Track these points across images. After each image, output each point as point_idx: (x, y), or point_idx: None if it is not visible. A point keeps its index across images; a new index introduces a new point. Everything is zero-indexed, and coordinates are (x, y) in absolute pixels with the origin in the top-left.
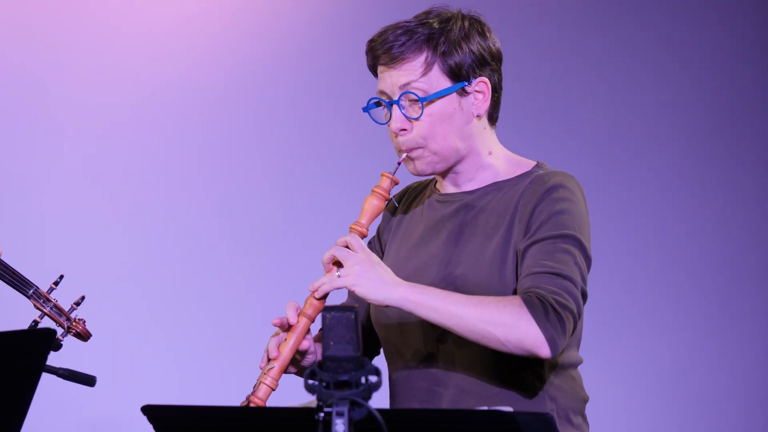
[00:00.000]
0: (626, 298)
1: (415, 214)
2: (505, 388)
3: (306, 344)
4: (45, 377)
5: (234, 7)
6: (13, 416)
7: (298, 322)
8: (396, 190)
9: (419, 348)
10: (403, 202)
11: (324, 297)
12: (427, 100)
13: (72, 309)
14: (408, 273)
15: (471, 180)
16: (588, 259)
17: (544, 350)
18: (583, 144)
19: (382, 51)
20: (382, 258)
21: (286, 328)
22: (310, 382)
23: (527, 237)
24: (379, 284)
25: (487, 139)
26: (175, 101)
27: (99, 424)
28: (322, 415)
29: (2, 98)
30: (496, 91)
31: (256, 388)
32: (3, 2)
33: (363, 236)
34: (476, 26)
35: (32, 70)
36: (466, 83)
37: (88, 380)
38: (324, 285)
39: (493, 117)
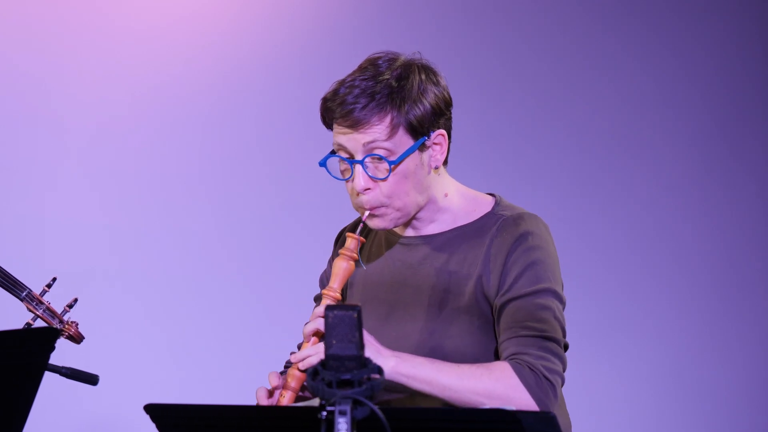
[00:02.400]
0: (628, 298)
1: (373, 253)
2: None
3: None
4: (48, 376)
5: (236, 4)
6: (16, 414)
7: (282, 396)
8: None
9: (409, 349)
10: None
11: (308, 370)
12: (395, 163)
13: (65, 311)
14: (389, 328)
15: (431, 222)
16: (563, 305)
17: None
18: (586, 143)
19: (341, 113)
20: (344, 294)
21: (271, 397)
22: (313, 381)
23: (503, 292)
24: (373, 355)
25: (441, 183)
26: (174, 100)
27: (102, 422)
28: (324, 414)
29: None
30: (449, 137)
31: None
32: (3, 0)
33: (337, 301)
34: (431, 77)
35: (31, 68)
36: (426, 138)
37: (91, 379)
38: (311, 358)
39: (446, 160)
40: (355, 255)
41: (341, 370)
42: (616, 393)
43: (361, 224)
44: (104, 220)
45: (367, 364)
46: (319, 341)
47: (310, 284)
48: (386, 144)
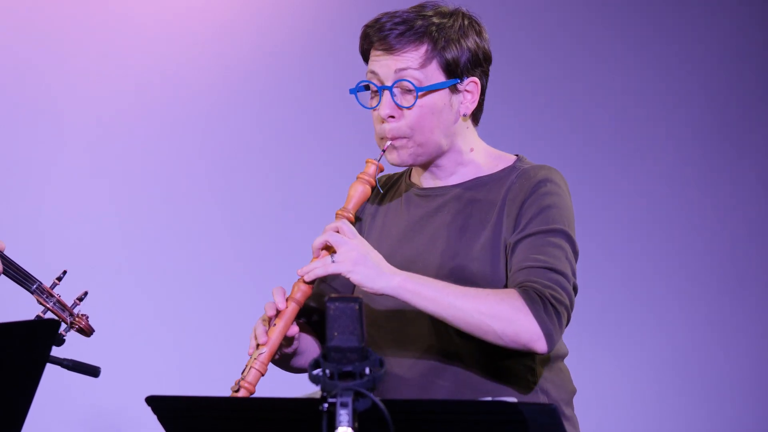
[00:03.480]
0: (631, 294)
1: (392, 208)
2: (499, 382)
3: (294, 329)
4: (49, 368)
5: (238, 2)
6: (17, 406)
7: (286, 307)
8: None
9: (419, 338)
10: (374, 194)
11: (313, 282)
12: (422, 90)
13: (75, 304)
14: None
15: (452, 174)
16: (576, 253)
17: (540, 345)
18: (589, 141)
19: (378, 37)
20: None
21: (274, 312)
22: (315, 372)
23: (517, 232)
24: (376, 272)
25: (469, 137)
26: (178, 96)
27: (103, 414)
28: (326, 405)
29: (5, 92)
30: (484, 92)
31: (245, 373)
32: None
33: (351, 222)
34: (474, 26)
35: (34, 64)
36: (459, 81)
37: (93, 371)
38: (316, 269)
39: (477, 117)
40: (372, 180)
41: (343, 362)
42: (621, 388)
43: (382, 152)
44: (107, 213)
45: (368, 357)
46: (328, 254)
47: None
48: (417, 73)
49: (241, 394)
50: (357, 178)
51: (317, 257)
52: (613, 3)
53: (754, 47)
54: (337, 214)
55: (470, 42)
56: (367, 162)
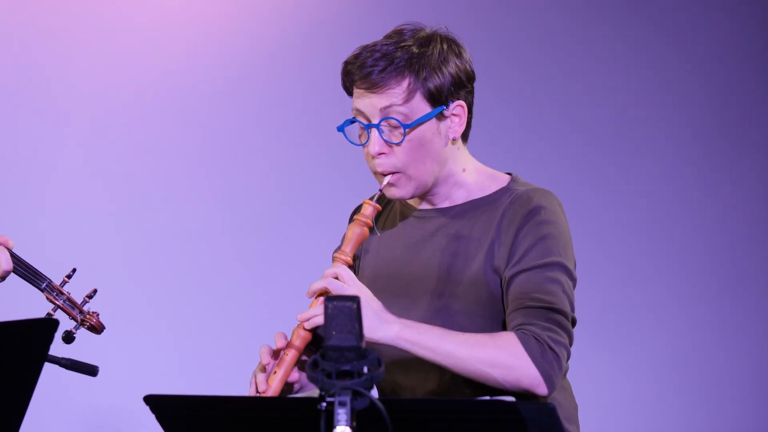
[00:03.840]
0: (631, 294)
1: (387, 227)
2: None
3: (294, 376)
4: (47, 367)
5: (238, 1)
6: (15, 405)
7: (286, 354)
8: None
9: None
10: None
11: (314, 329)
12: (409, 126)
13: (84, 302)
14: (400, 297)
15: (446, 198)
16: (574, 281)
17: (541, 389)
18: (589, 141)
19: (360, 75)
20: (356, 271)
21: (268, 361)
22: (313, 372)
23: (512, 264)
24: (376, 323)
25: (461, 157)
26: (179, 95)
27: (101, 413)
28: (324, 404)
29: (7, 90)
30: (470, 111)
31: None
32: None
33: (348, 265)
34: (453, 48)
35: (34, 63)
36: (445, 107)
37: (91, 370)
38: (316, 318)
39: (466, 135)
40: (369, 222)
41: (341, 361)
42: (621, 388)
43: (378, 192)
44: (107, 213)
45: (366, 356)
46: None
47: (312, 277)
48: (402, 108)
49: None
50: (354, 220)
51: (315, 301)
52: (613, 3)
53: (754, 47)
54: (334, 257)
55: (451, 67)
56: (363, 203)
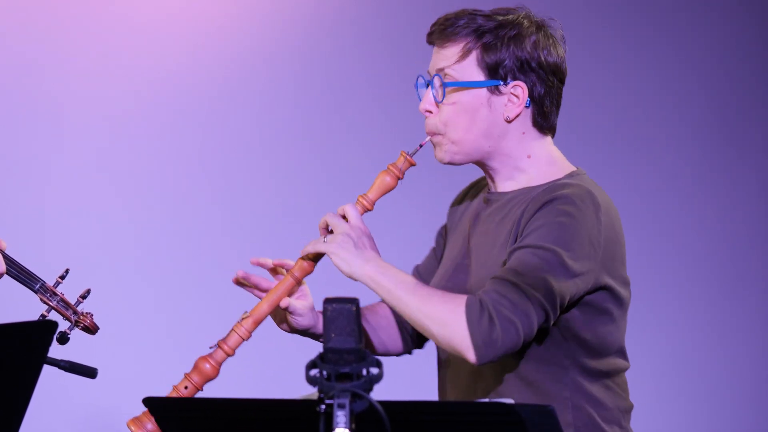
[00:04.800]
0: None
1: (469, 209)
2: (533, 392)
3: (285, 302)
4: (46, 369)
5: (237, 3)
6: (14, 407)
7: (284, 279)
8: (412, 172)
9: None
10: (470, 196)
11: (312, 260)
12: (449, 86)
13: (78, 302)
14: (447, 273)
15: (509, 180)
16: (571, 276)
17: (469, 354)
18: (589, 141)
19: (436, 28)
20: (444, 245)
21: (272, 272)
22: (312, 373)
23: (516, 243)
24: (353, 258)
25: (525, 143)
26: (178, 95)
27: (100, 416)
28: (323, 407)
29: (4, 90)
30: (541, 102)
31: (227, 336)
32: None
33: (366, 210)
34: (536, 33)
35: (33, 63)
36: (501, 83)
37: (90, 372)
38: (309, 246)
39: (541, 126)
40: (400, 173)
41: (340, 363)
42: None
43: (417, 148)
44: (106, 213)
45: (365, 358)
46: (327, 234)
47: (310, 278)
48: (452, 69)
49: (218, 354)
50: (387, 168)
51: (322, 235)
52: (613, 3)
53: (754, 47)
54: (357, 199)
55: (520, 47)
56: (400, 154)
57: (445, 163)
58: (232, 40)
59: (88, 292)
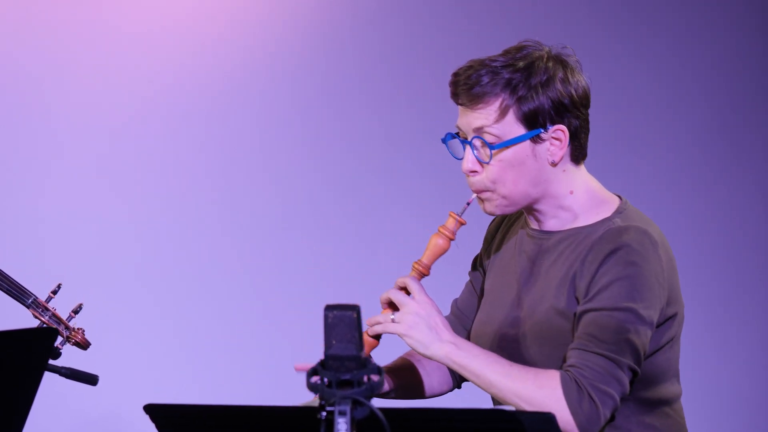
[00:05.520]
0: None
1: (510, 244)
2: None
3: None
4: (47, 376)
5: (237, 5)
6: (15, 414)
7: None
8: (463, 230)
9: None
10: (504, 225)
11: (377, 337)
12: (496, 148)
13: (70, 317)
14: (491, 308)
15: (553, 218)
16: (648, 326)
17: None
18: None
19: (461, 89)
20: (483, 280)
21: None
22: (313, 380)
23: (585, 301)
24: (429, 339)
25: (567, 180)
26: (176, 99)
27: (101, 423)
28: (324, 414)
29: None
30: (577, 136)
31: None
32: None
33: (423, 276)
34: (560, 69)
35: (30, 68)
36: (542, 130)
37: (91, 379)
38: (377, 326)
39: (577, 157)
40: (452, 235)
41: (341, 370)
42: None
43: (465, 206)
44: (102, 220)
45: (366, 365)
46: (392, 311)
47: (310, 285)
48: (493, 129)
49: None
50: (438, 231)
51: (384, 310)
52: (612, 3)
53: (753, 48)
54: (413, 265)
55: (553, 90)
56: (449, 216)
57: (495, 215)
58: (233, 43)
59: (80, 306)
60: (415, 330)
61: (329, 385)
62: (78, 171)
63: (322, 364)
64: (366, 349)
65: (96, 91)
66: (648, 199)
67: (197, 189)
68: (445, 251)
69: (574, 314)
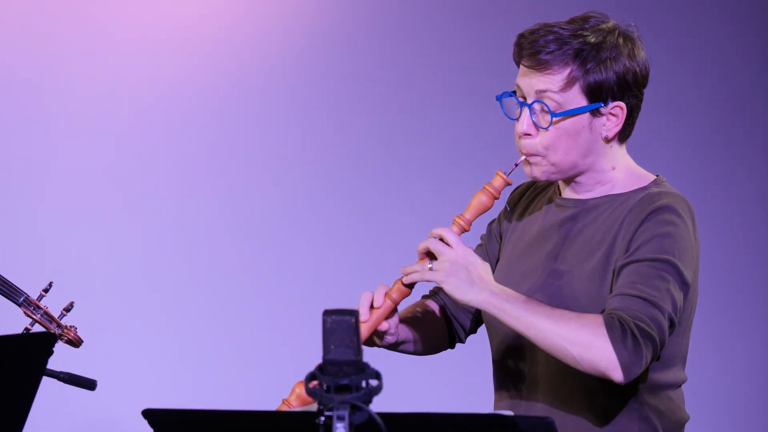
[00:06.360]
0: None
1: (533, 212)
2: (594, 404)
3: (385, 325)
4: (45, 381)
5: (237, 7)
6: (13, 419)
7: (383, 303)
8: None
9: (538, 376)
10: (528, 195)
11: (411, 285)
12: (557, 116)
13: (62, 315)
14: (517, 275)
15: (590, 191)
16: (685, 285)
17: (616, 374)
18: None
19: (528, 52)
20: (499, 249)
21: (369, 306)
22: (311, 385)
23: (626, 256)
24: (468, 285)
25: (611, 155)
26: (174, 104)
27: (99, 427)
28: (322, 419)
29: None
30: (632, 114)
31: None
32: (2, 3)
33: (464, 231)
34: (628, 46)
35: (28, 70)
36: (602, 105)
37: (89, 384)
38: (414, 274)
39: (623, 136)
40: (497, 193)
41: (339, 375)
42: None
43: (513, 167)
44: (101, 223)
45: (365, 369)
46: (429, 260)
47: (310, 288)
48: (557, 96)
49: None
50: (482, 187)
51: (421, 260)
52: (611, 4)
53: (749, 50)
54: (454, 219)
55: (619, 65)
56: (496, 174)
57: (539, 181)
58: (234, 48)
59: (72, 305)
60: (454, 276)
61: (327, 390)
62: (78, 172)
63: (320, 368)
64: (398, 297)
65: (96, 91)
66: None
67: (197, 191)
68: (488, 209)
69: (613, 271)
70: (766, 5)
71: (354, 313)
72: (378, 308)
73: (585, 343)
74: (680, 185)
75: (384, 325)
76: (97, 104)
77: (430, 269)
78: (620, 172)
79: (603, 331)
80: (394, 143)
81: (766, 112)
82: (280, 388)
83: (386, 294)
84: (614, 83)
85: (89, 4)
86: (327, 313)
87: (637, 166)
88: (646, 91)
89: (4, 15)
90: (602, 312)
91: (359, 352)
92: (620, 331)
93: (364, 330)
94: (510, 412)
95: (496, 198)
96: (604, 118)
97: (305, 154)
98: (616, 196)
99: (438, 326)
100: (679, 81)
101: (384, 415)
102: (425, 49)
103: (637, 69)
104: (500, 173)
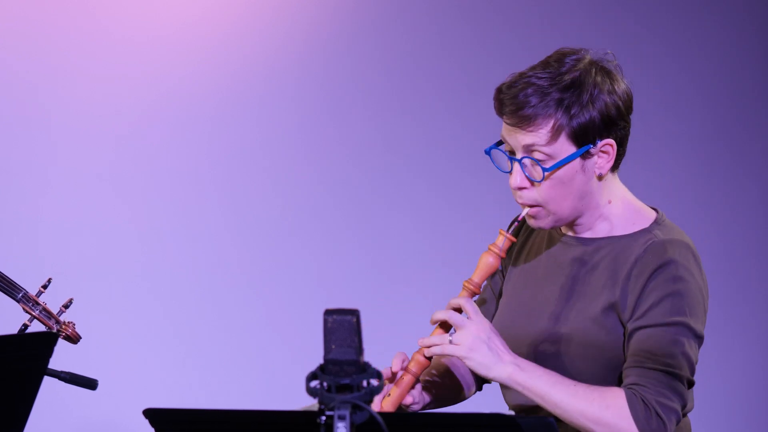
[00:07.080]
0: None
1: (536, 245)
2: None
3: (408, 399)
4: (46, 380)
5: (238, 7)
6: (15, 419)
7: (402, 377)
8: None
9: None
10: (526, 227)
11: (430, 358)
12: (549, 170)
13: (61, 312)
14: (521, 315)
15: (589, 229)
16: (699, 340)
17: None
18: None
19: (510, 109)
20: (502, 282)
21: (390, 378)
22: (312, 385)
23: (636, 317)
24: (491, 361)
25: (607, 189)
26: (174, 103)
27: (100, 427)
28: (323, 418)
29: None
30: (622, 144)
31: None
32: (2, 3)
33: (475, 295)
34: (607, 82)
35: (28, 70)
36: (591, 146)
37: (90, 383)
38: (435, 348)
39: (616, 166)
40: (502, 253)
41: (340, 375)
42: None
43: (516, 224)
44: (101, 221)
45: (366, 369)
46: (445, 332)
47: (310, 288)
48: (545, 149)
49: None
50: (488, 249)
51: (437, 329)
52: (610, 4)
53: (751, 51)
54: (463, 285)
55: (601, 103)
56: (499, 233)
57: (545, 229)
58: (235, 49)
59: (71, 301)
60: (477, 352)
61: (329, 390)
62: (78, 170)
63: (321, 368)
64: (417, 370)
65: (96, 92)
66: (647, 201)
67: (197, 191)
68: (495, 269)
69: (623, 330)
70: (766, 5)
71: (355, 313)
72: (399, 383)
73: (611, 425)
74: (680, 185)
75: (408, 399)
76: (98, 104)
77: (451, 343)
78: (617, 205)
79: (627, 414)
80: (396, 144)
81: (766, 112)
82: (281, 388)
83: (406, 369)
84: (599, 122)
85: (89, 5)
86: (328, 313)
87: (633, 198)
88: (646, 91)
89: (4, 15)
90: (620, 381)
91: (360, 352)
92: (644, 412)
93: (389, 407)
94: (511, 412)
95: (502, 257)
96: (595, 158)
97: (306, 155)
98: (618, 239)
99: (464, 371)
100: (679, 81)
101: (385, 415)
102: (426, 50)
103: (620, 102)
104: (503, 232)
